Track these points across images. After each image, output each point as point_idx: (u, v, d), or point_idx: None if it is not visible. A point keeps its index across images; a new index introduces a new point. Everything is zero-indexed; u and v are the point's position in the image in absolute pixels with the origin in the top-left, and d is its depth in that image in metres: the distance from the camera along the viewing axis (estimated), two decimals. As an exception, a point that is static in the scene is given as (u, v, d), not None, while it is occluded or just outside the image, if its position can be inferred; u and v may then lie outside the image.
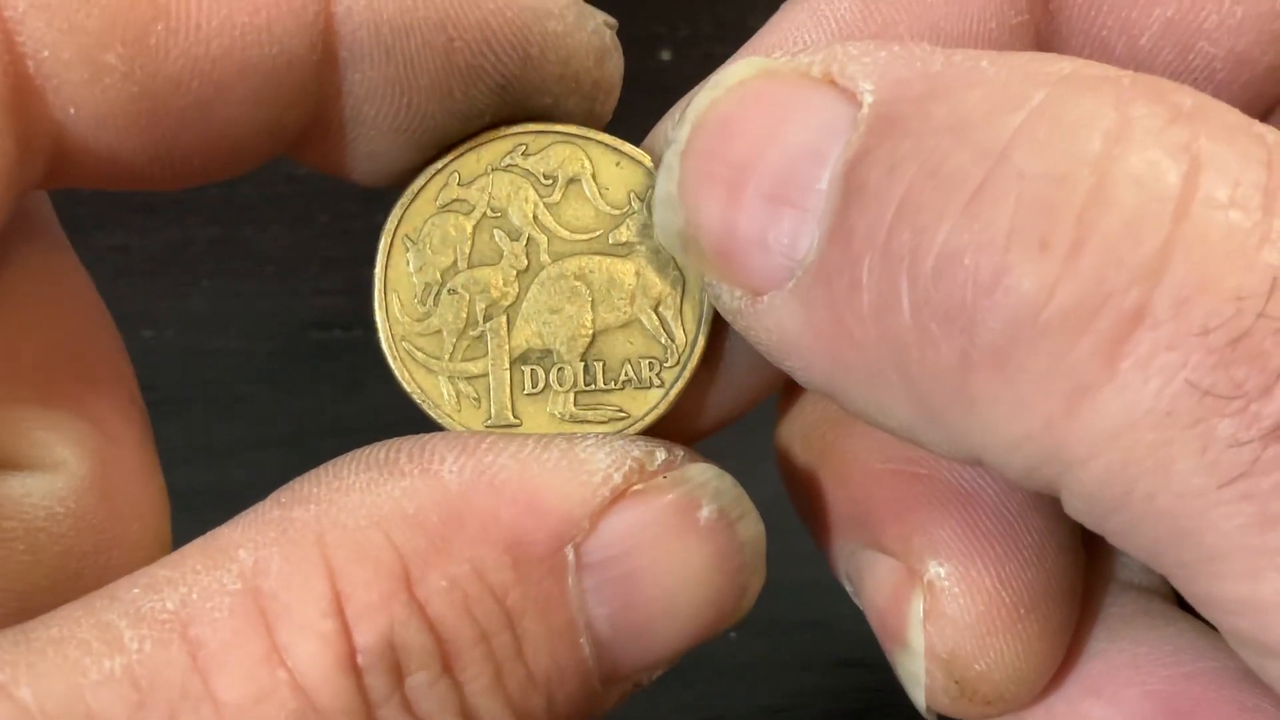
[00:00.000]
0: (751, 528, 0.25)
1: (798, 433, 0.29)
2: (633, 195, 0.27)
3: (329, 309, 0.49)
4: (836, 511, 0.28)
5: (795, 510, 0.29)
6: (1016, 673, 0.26)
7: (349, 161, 0.26)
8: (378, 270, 0.26)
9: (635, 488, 0.24)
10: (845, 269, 0.21)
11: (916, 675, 0.26)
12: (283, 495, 0.23)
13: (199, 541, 0.23)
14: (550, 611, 0.23)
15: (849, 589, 0.29)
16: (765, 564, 0.25)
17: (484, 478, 0.23)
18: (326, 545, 0.22)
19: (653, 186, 0.24)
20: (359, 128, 0.25)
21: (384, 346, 0.26)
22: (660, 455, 0.24)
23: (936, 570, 0.26)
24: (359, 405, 0.48)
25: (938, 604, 0.26)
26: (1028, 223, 0.20)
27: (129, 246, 0.50)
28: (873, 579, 0.27)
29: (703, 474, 0.25)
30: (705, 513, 0.24)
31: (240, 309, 0.50)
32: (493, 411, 0.26)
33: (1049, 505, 0.26)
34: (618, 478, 0.24)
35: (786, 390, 0.29)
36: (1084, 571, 0.27)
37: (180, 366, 0.49)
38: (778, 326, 0.23)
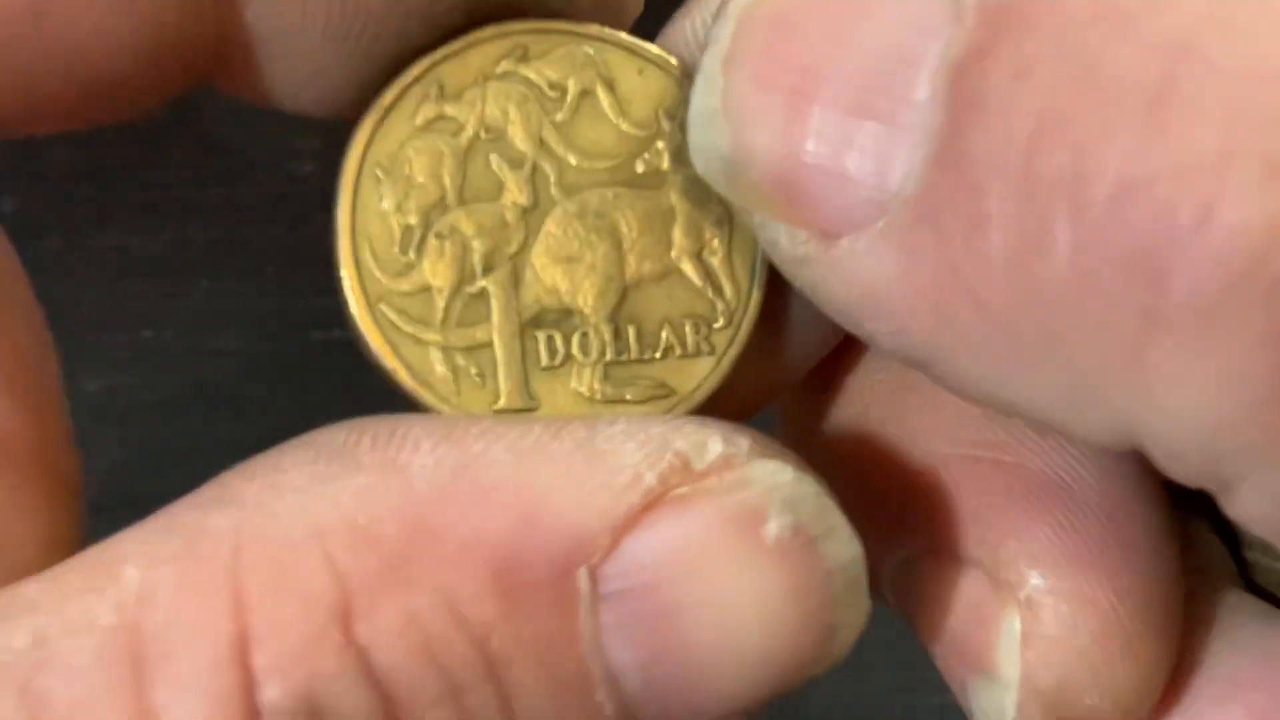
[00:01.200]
0: (842, 549, 0.19)
1: (823, 409, 0.24)
2: (662, 112, 0.21)
3: (329, 309, 0.49)
4: (877, 508, 0.22)
5: None
6: (1128, 705, 0.21)
7: (286, 88, 0.21)
8: (340, 211, 0.21)
9: (676, 492, 0.18)
10: (962, 202, 0.17)
11: (1002, 710, 0.22)
12: (208, 490, 0.19)
13: (94, 549, 0.18)
14: (553, 658, 0.18)
15: (890, 603, 0.24)
16: (866, 595, 0.19)
17: (467, 476, 0.18)
18: (241, 566, 0.17)
19: (686, 101, 0.20)
20: (287, 42, 0.20)
21: (353, 311, 0.21)
22: (714, 448, 0.18)
23: (1037, 582, 0.21)
24: (359, 405, 0.48)
25: (1040, 624, 0.21)
26: (1247, 139, 0.15)
27: (128, 246, 0.50)
28: (939, 593, 0.22)
29: (772, 474, 0.19)
30: (774, 527, 0.18)
31: (240, 309, 0.50)
32: (502, 391, 0.21)
33: (1154, 497, 0.22)
34: (651, 478, 0.18)
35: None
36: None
37: (179, 367, 0.49)
38: (861, 278, 0.18)
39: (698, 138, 0.19)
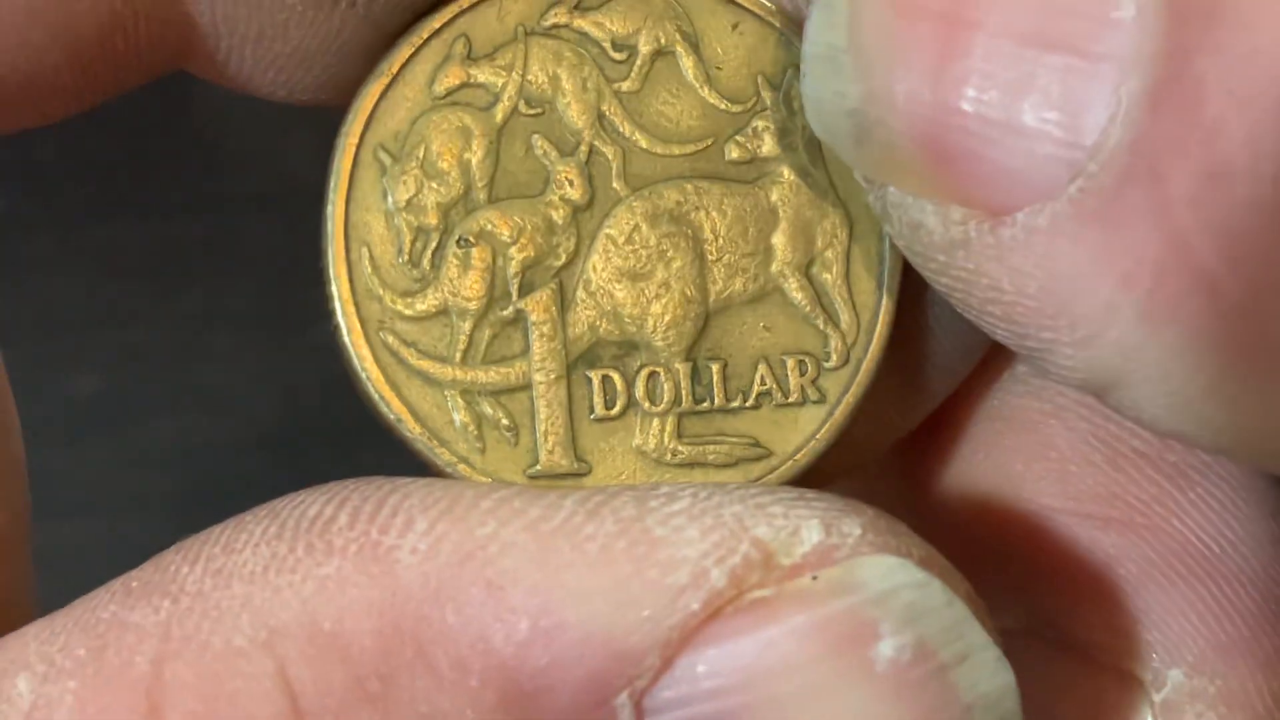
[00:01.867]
0: (985, 678, 0.14)
1: (904, 450, 0.19)
2: (762, 79, 0.17)
3: (326, 308, 0.49)
4: (964, 570, 0.17)
5: None
6: None
7: (264, 71, 0.17)
8: (331, 209, 0.16)
9: (754, 594, 0.14)
10: (1193, 151, 0.13)
11: None
12: (138, 576, 0.15)
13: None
14: None
15: None
16: None
17: (470, 567, 0.14)
18: (163, 683, 0.14)
19: (795, 66, 0.15)
20: (255, 11, 0.17)
21: (345, 340, 0.16)
22: (809, 536, 0.14)
23: (1178, 680, 0.17)
24: (358, 407, 0.47)
25: None
26: None
27: (122, 244, 0.50)
28: (1039, 680, 0.16)
29: (889, 574, 0.14)
30: (889, 646, 0.14)
31: (235, 308, 0.49)
32: (541, 450, 0.16)
33: None
34: (719, 576, 0.14)
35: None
36: None
37: (174, 366, 0.48)
38: (1042, 267, 0.14)
39: (815, 86, 0.15)
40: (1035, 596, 0.18)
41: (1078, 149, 0.13)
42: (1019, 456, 0.18)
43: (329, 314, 0.16)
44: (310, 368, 0.49)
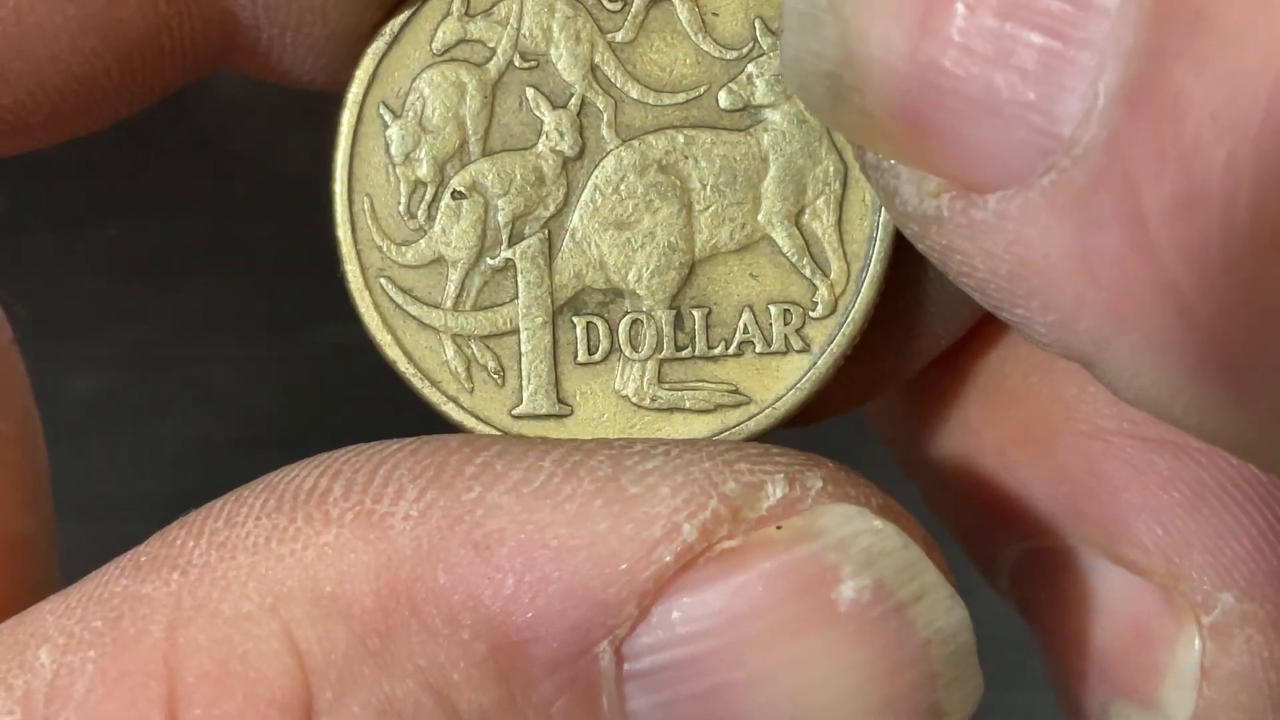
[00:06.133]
0: (940, 614, 0.15)
1: (941, 375, 0.20)
2: (759, 25, 0.17)
3: (323, 309, 0.49)
4: (1005, 487, 0.19)
5: (913, 479, 0.21)
6: None
7: (313, 59, 0.18)
8: (339, 159, 0.17)
9: (723, 545, 0.15)
10: (1168, 161, 0.12)
11: None
12: (149, 547, 0.16)
13: (8, 623, 0.16)
14: None
15: (1003, 593, 0.20)
16: (977, 670, 0.16)
17: (459, 529, 0.15)
18: (177, 648, 0.15)
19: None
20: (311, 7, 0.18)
21: (350, 285, 0.17)
22: (775, 490, 0.15)
23: (1230, 604, 0.17)
24: (358, 406, 0.47)
25: (1228, 656, 0.18)
26: None
27: (119, 244, 0.50)
28: (1082, 596, 0.18)
29: (847, 523, 0.15)
30: (849, 588, 0.15)
31: (235, 307, 0.49)
32: (525, 393, 0.17)
33: None
34: (690, 530, 0.15)
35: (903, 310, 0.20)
36: None
37: (174, 366, 0.48)
38: (1013, 251, 0.14)
39: (793, 43, 0.14)
40: (1085, 516, 0.18)
41: (1051, 138, 0.13)
42: (1073, 380, 0.19)
43: (339, 260, 0.17)
44: (310, 368, 0.50)
